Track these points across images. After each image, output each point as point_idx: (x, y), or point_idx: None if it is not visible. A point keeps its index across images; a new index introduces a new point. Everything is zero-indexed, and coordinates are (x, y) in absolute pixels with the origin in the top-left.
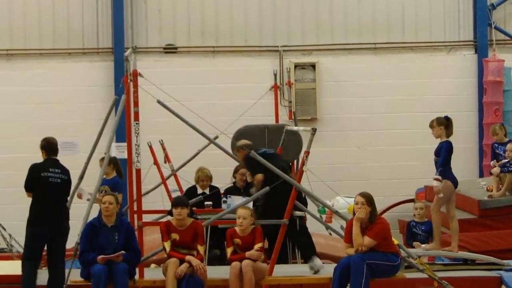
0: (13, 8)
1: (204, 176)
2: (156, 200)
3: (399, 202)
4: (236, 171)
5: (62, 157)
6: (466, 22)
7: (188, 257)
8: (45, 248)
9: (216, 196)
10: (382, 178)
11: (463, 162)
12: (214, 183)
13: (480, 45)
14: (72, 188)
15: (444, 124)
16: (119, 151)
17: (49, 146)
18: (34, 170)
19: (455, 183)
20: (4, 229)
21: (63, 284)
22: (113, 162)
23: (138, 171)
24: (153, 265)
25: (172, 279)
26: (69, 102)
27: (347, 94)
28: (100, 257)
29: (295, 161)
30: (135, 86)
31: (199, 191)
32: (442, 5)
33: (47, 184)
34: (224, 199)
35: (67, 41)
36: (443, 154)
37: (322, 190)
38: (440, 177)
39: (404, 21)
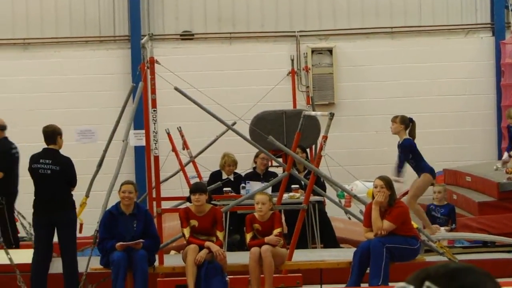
0: None
1: (230, 161)
2: (175, 187)
3: None
4: (256, 156)
5: (81, 145)
6: (483, 5)
7: (207, 243)
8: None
9: (238, 182)
10: None
11: (482, 145)
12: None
13: (498, 27)
14: (89, 176)
15: (406, 123)
16: (137, 138)
17: (44, 135)
18: (29, 162)
19: (433, 174)
20: (24, 218)
21: (76, 272)
22: None
23: (157, 158)
24: (172, 252)
25: (191, 265)
26: (86, 90)
27: (364, 78)
28: (118, 244)
29: (313, 146)
30: (152, 73)
31: (224, 176)
32: None
33: (38, 176)
34: (243, 184)
35: (83, 29)
36: (402, 154)
37: (340, 174)
38: (400, 179)
39: (421, 4)
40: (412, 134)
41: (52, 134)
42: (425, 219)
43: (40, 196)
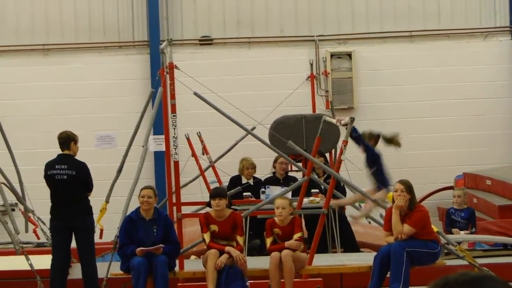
0: (49, 2)
1: (249, 165)
2: (195, 192)
3: (438, 189)
4: (275, 160)
5: (100, 151)
6: (502, 8)
7: (227, 248)
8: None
9: (257, 186)
10: (420, 166)
11: (501, 148)
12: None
13: None
14: (109, 181)
15: (374, 139)
16: (156, 143)
17: (58, 141)
18: (44, 169)
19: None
20: (44, 224)
21: (95, 277)
22: None
23: (176, 163)
24: (193, 257)
25: (212, 271)
26: (106, 96)
27: (384, 82)
28: (139, 249)
29: (333, 151)
30: (172, 78)
31: (244, 181)
32: None
33: (54, 181)
34: (263, 189)
35: (103, 35)
36: (378, 164)
37: (360, 179)
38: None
39: (440, 8)
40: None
41: (66, 140)
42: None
43: (57, 201)
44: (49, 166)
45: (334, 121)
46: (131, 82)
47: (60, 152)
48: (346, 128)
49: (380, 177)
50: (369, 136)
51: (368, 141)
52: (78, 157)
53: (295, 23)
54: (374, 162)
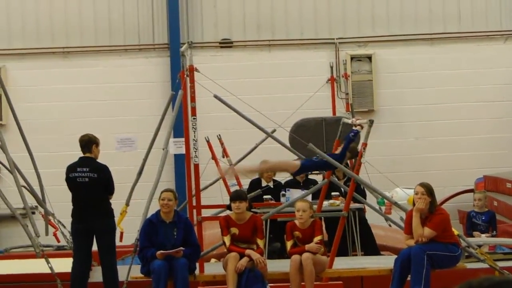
0: (69, 6)
1: None
2: (215, 195)
3: (458, 192)
4: None
5: (121, 154)
6: None
7: (248, 251)
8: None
9: (278, 189)
10: (441, 169)
11: None
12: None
13: None
14: (129, 184)
15: (351, 153)
16: (177, 146)
17: (80, 144)
18: (66, 172)
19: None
20: (64, 227)
21: (116, 280)
22: None
23: (197, 166)
24: (213, 260)
25: (232, 274)
26: (126, 99)
27: (404, 85)
28: (159, 252)
29: None
30: (192, 81)
31: (264, 184)
32: None
33: (76, 184)
34: (283, 192)
35: (123, 37)
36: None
37: (380, 181)
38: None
39: (460, 10)
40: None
41: (87, 143)
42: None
43: (78, 204)
44: (71, 168)
45: (350, 121)
46: (151, 85)
47: (82, 155)
48: (363, 129)
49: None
50: (352, 150)
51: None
52: (99, 160)
53: (315, 25)
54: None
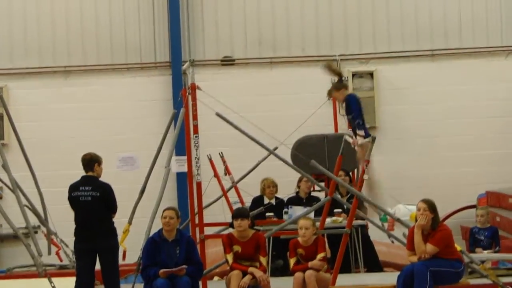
0: (71, 25)
1: (269, 183)
2: (217, 213)
3: (461, 208)
4: (300, 180)
5: (123, 172)
6: None
7: (251, 269)
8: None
9: (280, 207)
10: (443, 185)
11: None
12: (275, 194)
13: None
14: (132, 203)
15: (345, 86)
16: (179, 164)
17: (82, 163)
18: (69, 191)
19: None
20: (67, 246)
21: None
22: None
23: (199, 184)
24: (216, 278)
25: None
26: (128, 117)
27: (406, 101)
28: (162, 271)
29: (355, 170)
30: (194, 99)
31: (266, 201)
32: (499, 9)
33: (79, 203)
34: (286, 209)
35: (125, 56)
36: (354, 106)
37: (383, 198)
38: (363, 133)
39: (461, 26)
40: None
41: (89, 161)
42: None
43: (81, 223)
44: (73, 188)
45: (351, 140)
46: (153, 103)
47: (84, 174)
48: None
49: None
50: (337, 87)
51: (337, 94)
52: (101, 178)
53: (316, 42)
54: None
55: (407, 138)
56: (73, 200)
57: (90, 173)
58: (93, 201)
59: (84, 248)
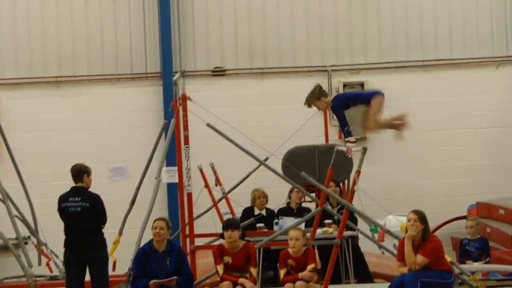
0: (62, 34)
1: (260, 193)
2: (208, 224)
3: (451, 219)
4: (291, 191)
5: (114, 183)
6: None
7: (241, 280)
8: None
9: (270, 217)
10: (434, 196)
11: None
12: (266, 205)
13: None
14: (122, 213)
15: (324, 95)
16: (169, 175)
17: (71, 174)
18: (58, 202)
19: (381, 93)
20: (57, 257)
21: None
22: None
23: (190, 195)
24: None
25: None
26: (118, 128)
27: (396, 112)
28: (152, 281)
29: (346, 181)
30: (184, 110)
31: (256, 211)
32: (490, 20)
33: (68, 214)
34: (276, 220)
35: (115, 66)
36: (339, 116)
37: (374, 209)
38: (354, 139)
39: (452, 37)
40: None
41: (78, 172)
42: (391, 124)
43: (71, 234)
44: (63, 199)
45: (345, 149)
46: (144, 113)
47: (74, 184)
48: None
49: (361, 99)
50: (319, 94)
51: (317, 103)
52: (91, 189)
53: (307, 53)
54: (347, 104)
55: (398, 149)
56: (63, 211)
57: (79, 184)
58: (82, 212)
59: (73, 259)
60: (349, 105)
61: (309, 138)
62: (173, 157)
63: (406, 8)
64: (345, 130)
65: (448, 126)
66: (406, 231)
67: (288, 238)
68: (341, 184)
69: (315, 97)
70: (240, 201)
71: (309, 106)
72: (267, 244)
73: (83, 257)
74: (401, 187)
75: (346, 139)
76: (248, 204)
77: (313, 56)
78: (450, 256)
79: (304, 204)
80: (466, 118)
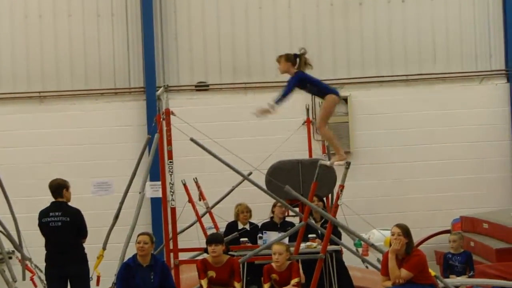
0: (45, 50)
1: (243, 208)
2: (192, 238)
3: (435, 233)
4: (274, 205)
5: (97, 197)
6: (497, 51)
7: None
8: None
9: (254, 232)
10: (417, 210)
11: (498, 192)
12: (249, 219)
13: None
14: (106, 228)
15: (292, 61)
16: (153, 190)
17: (50, 189)
18: (38, 217)
19: (337, 93)
20: (41, 271)
21: None
22: None
23: (173, 210)
24: None
25: None
26: (102, 143)
27: (380, 126)
28: None
29: (330, 195)
30: (168, 124)
31: (240, 226)
32: (473, 35)
33: (49, 229)
34: (260, 235)
35: (99, 81)
36: (288, 86)
37: (357, 223)
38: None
39: (436, 52)
40: (302, 66)
41: (57, 188)
42: (335, 145)
43: (52, 249)
44: (43, 214)
45: (328, 163)
46: (127, 128)
47: (53, 200)
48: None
49: (318, 89)
50: (287, 59)
51: (286, 67)
52: (75, 204)
53: None
54: (304, 85)
55: (381, 163)
56: (43, 226)
57: (59, 199)
58: (63, 227)
59: (55, 274)
60: (306, 87)
61: (293, 152)
62: (156, 172)
63: (390, 22)
64: (279, 97)
65: (432, 140)
66: (390, 245)
67: (271, 252)
68: (324, 198)
69: (287, 58)
70: (224, 216)
71: (278, 61)
72: (251, 258)
73: (65, 271)
74: (385, 201)
75: (269, 103)
76: (232, 219)
77: None
78: (434, 270)
79: (287, 219)
80: (450, 133)
